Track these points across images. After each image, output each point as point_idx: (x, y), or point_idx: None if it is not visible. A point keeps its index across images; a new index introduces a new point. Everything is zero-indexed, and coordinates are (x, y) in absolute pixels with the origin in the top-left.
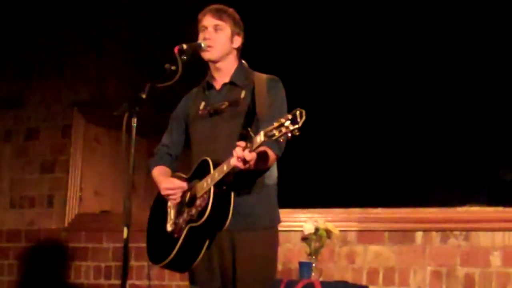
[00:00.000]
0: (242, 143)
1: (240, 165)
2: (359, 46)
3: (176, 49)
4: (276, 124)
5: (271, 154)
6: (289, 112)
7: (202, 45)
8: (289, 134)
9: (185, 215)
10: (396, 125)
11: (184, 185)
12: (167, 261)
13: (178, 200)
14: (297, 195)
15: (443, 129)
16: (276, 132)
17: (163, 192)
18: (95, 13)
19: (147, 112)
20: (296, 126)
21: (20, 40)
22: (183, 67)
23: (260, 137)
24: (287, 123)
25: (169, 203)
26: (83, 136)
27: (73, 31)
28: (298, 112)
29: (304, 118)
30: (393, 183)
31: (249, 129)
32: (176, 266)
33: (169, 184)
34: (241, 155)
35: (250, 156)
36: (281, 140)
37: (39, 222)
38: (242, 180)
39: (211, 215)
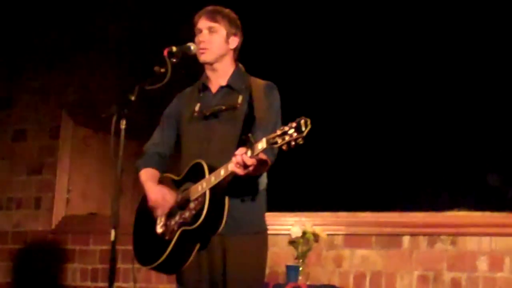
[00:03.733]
0: (243, 149)
1: (240, 171)
2: (353, 50)
3: (165, 52)
4: (279, 132)
5: (268, 161)
6: (287, 119)
7: (192, 47)
8: (292, 143)
9: (177, 217)
10: (384, 129)
11: (173, 201)
12: (157, 263)
13: (163, 213)
14: (285, 199)
15: (432, 134)
16: (279, 140)
17: (150, 203)
18: (84, 15)
19: (136, 114)
20: (301, 134)
21: (8, 41)
22: (172, 69)
23: (262, 144)
24: (291, 131)
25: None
26: (71, 138)
27: (62, 32)
28: (303, 121)
29: (309, 127)
30: (380, 187)
31: (250, 135)
32: (165, 268)
33: (158, 196)
34: (241, 161)
35: (251, 161)
36: (284, 148)
37: (26, 224)
38: (236, 185)
39: (206, 219)
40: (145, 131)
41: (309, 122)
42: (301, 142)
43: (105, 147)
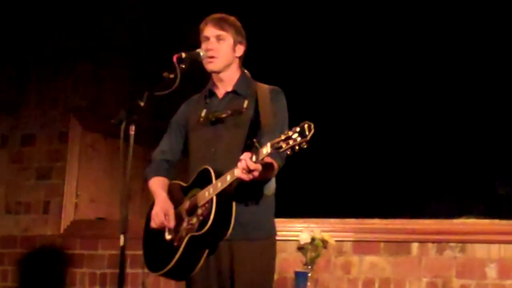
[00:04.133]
0: (247, 154)
1: (245, 176)
2: (355, 58)
3: (174, 58)
4: (283, 137)
5: (275, 165)
6: (293, 124)
7: (201, 54)
8: (297, 147)
9: (185, 224)
10: (394, 136)
11: (173, 223)
12: (166, 269)
13: (155, 226)
14: (294, 205)
15: (440, 142)
16: (283, 145)
17: (152, 213)
18: (92, 20)
19: (144, 120)
20: (305, 139)
21: (17, 46)
22: (181, 76)
23: (266, 149)
24: (295, 135)
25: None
26: (79, 143)
27: (71, 37)
28: (306, 125)
29: (312, 131)
30: (389, 194)
31: (254, 140)
32: (174, 274)
33: (162, 212)
34: (245, 166)
35: (255, 166)
36: (288, 152)
37: (35, 228)
38: (243, 191)
39: (213, 225)
40: (153, 136)
41: (312, 126)
42: (305, 147)
43: (113, 152)
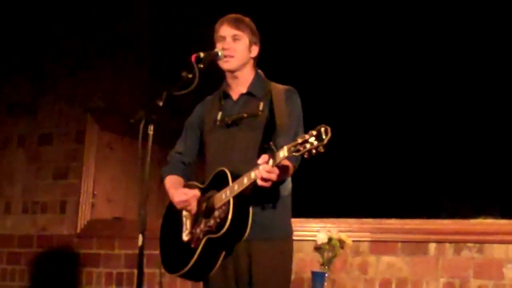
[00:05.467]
0: (265, 157)
1: (266, 184)
2: (374, 60)
3: (193, 57)
4: (300, 140)
5: (290, 167)
6: (309, 124)
7: (219, 53)
8: (314, 151)
9: (202, 225)
10: (411, 136)
11: (197, 192)
12: (183, 271)
13: (195, 209)
14: (311, 205)
15: (458, 141)
16: (300, 148)
17: (178, 206)
18: (109, 20)
19: (161, 120)
20: (321, 143)
21: (35, 46)
22: (199, 75)
23: (283, 152)
24: (312, 139)
25: (184, 213)
26: (96, 143)
27: (87, 37)
28: (323, 129)
29: (329, 135)
30: (406, 194)
31: (271, 143)
32: (192, 276)
33: (182, 196)
34: (266, 176)
35: (272, 170)
36: (305, 156)
37: (51, 228)
38: (260, 192)
39: (231, 227)
40: (170, 136)
41: (329, 130)
42: (322, 150)
43: (130, 151)
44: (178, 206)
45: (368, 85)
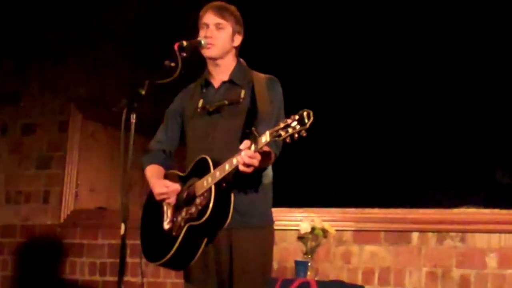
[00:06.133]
0: (247, 143)
1: (247, 170)
2: (356, 46)
3: (176, 46)
4: (282, 125)
5: (272, 154)
6: (289, 113)
7: (202, 42)
8: (296, 135)
9: (183, 213)
10: (394, 125)
11: (177, 187)
12: (165, 259)
13: (174, 201)
14: (294, 194)
15: (440, 131)
16: (282, 133)
17: (157, 198)
18: (92, 9)
19: (144, 109)
20: (304, 127)
21: (18, 35)
22: (182, 64)
23: (265, 137)
24: (294, 123)
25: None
26: (79, 132)
27: (71, 26)
28: (305, 113)
29: (312, 119)
30: (389, 184)
31: (253, 128)
32: (173, 264)
33: (162, 188)
34: (247, 161)
35: (254, 155)
36: (287, 140)
37: (35, 218)
38: (241, 179)
39: (212, 214)
40: (153, 126)
41: (311, 114)
42: (304, 135)
43: (113, 141)
44: (157, 198)
45: (352, 74)
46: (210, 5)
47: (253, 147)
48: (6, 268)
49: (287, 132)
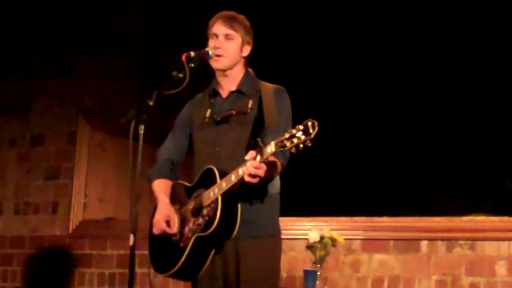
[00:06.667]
0: (252, 153)
1: (253, 180)
2: (365, 55)
3: (183, 57)
4: (287, 135)
5: (278, 164)
6: (298, 123)
7: (210, 53)
8: (301, 145)
9: (191, 224)
10: (402, 134)
11: (175, 230)
12: (173, 270)
13: (157, 233)
14: (302, 203)
15: (449, 139)
16: (287, 143)
17: (154, 220)
18: (100, 20)
19: (152, 119)
20: (308, 137)
21: (26, 47)
22: (190, 74)
23: (270, 148)
24: (299, 134)
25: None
26: (88, 143)
27: (79, 37)
28: (310, 123)
29: (316, 129)
30: (398, 192)
31: (258, 139)
32: (182, 275)
33: (165, 217)
34: (253, 172)
35: (260, 166)
36: (293, 151)
37: (43, 229)
38: (248, 190)
39: (219, 224)
40: (161, 136)
41: (316, 124)
42: (309, 145)
43: (121, 151)
44: (154, 221)
45: (360, 84)
46: (219, 14)
47: (258, 157)
48: (15, 279)
49: (292, 142)
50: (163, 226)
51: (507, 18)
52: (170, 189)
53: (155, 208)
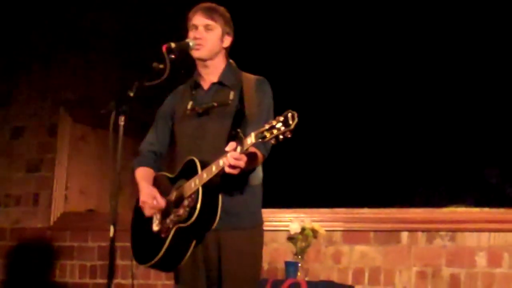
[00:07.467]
0: (232, 144)
1: (234, 171)
2: (348, 44)
3: (164, 48)
4: (267, 126)
5: (259, 155)
6: (280, 113)
7: (191, 44)
8: (281, 136)
9: (172, 215)
10: (382, 125)
11: (162, 205)
12: (154, 261)
13: (150, 214)
14: (283, 195)
15: (430, 130)
16: (267, 134)
17: (141, 204)
18: (82, 12)
19: (133, 111)
20: (288, 128)
21: (7, 38)
22: (170, 66)
23: (251, 139)
24: (279, 125)
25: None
26: (69, 135)
27: (60, 29)
28: (290, 114)
29: (296, 120)
30: (379, 184)
31: (239, 130)
32: (162, 266)
33: (149, 199)
34: (233, 163)
35: (240, 157)
36: (272, 141)
37: (25, 221)
38: (229, 181)
39: (200, 215)
40: (143, 128)
41: (296, 115)
42: (289, 136)
43: (103, 144)
44: (140, 204)
45: (340, 76)
46: (199, 6)
47: (238, 148)
48: None
49: (272, 133)
50: (151, 203)
51: (485, 16)
52: (152, 179)
53: (137, 201)
